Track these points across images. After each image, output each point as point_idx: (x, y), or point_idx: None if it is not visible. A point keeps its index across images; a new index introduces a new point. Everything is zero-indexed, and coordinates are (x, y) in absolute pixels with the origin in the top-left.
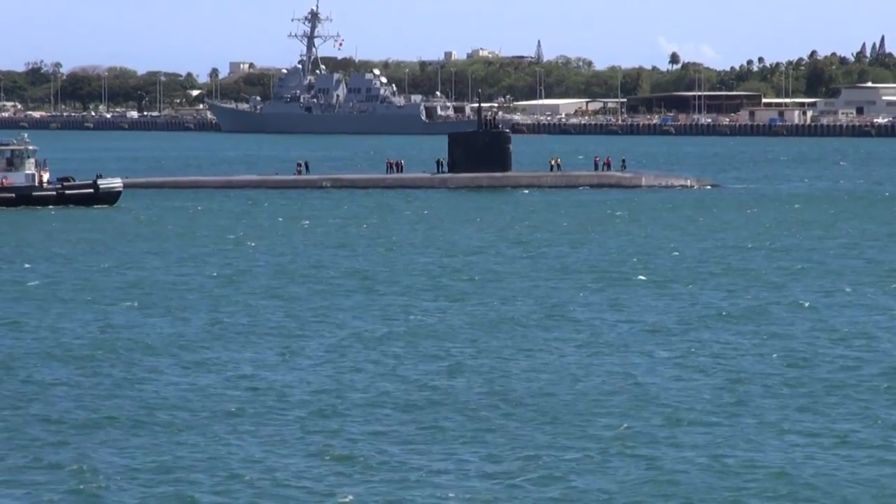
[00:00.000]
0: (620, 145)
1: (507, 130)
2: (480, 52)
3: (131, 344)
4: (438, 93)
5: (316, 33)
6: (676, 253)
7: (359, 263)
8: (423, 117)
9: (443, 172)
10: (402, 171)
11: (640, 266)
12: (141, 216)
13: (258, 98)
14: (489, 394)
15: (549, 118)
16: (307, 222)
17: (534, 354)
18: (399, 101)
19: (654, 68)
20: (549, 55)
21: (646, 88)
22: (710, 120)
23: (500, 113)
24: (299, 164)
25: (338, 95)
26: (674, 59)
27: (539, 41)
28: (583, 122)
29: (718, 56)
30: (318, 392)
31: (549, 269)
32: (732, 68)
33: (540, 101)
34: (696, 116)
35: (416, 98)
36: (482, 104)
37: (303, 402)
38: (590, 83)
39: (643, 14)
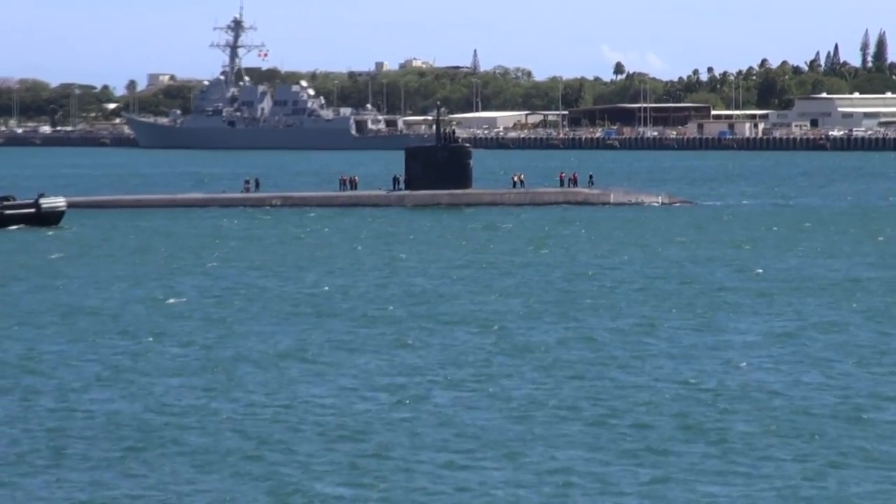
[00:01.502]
0: (560, 161)
1: (467, 145)
2: (414, 63)
3: (56, 374)
4: (369, 105)
5: (239, 43)
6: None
7: (301, 287)
8: (353, 131)
9: (399, 189)
10: (356, 187)
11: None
12: (86, 237)
13: (178, 111)
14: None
15: (485, 132)
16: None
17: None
18: (327, 114)
19: (596, 79)
20: (486, 65)
21: (588, 100)
22: (656, 133)
23: (435, 127)
24: (247, 182)
25: (262, 108)
26: (618, 69)
27: (475, 51)
28: (521, 135)
29: (665, 66)
30: (265, 424)
31: (502, 290)
32: (680, 78)
33: (476, 114)
34: (641, 130)
35: (346, 111)
36: (439, 117)
37: (249, 434)
38: (529, 95)
39: (586, 22)
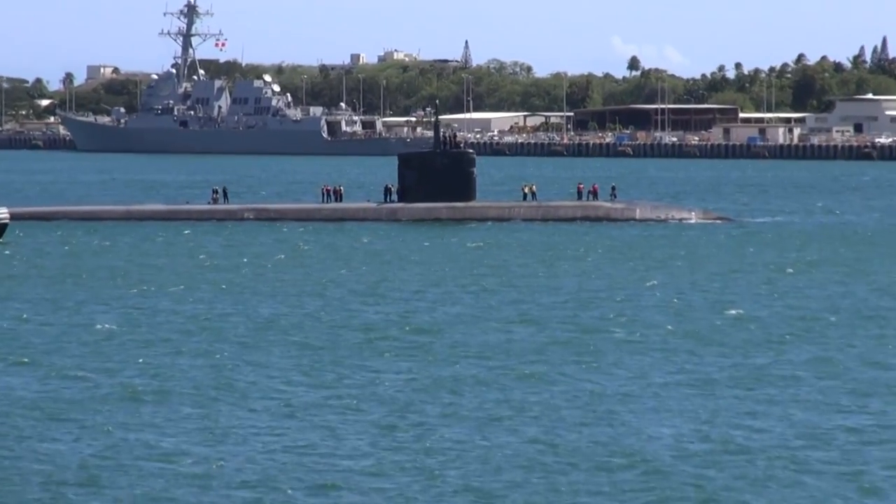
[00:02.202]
0: (566, 170)
1: (471, 151)
2: (395, 55)
3: None
4: (343, 104)
5: (194, 31)
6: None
7: (275, 311)
8: (325, 134)
9: (392, 202)
10: (341, 199)
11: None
12: (31, 254)
13: (122, 110)
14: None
15: (478, 136)
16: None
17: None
18: (295, 113)
19: (607, 76)
20: (478, 59)
21: (597, 100)
22: (675, 139)
23: (419, 129)
24: (215, 192)
25: (220, 107)
26: (632, 64)
27: (466, 42)
28: (520, 140)
29: (686, 61)
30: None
31: (507, 321)
32: (703, 76)
33: (467, 115)
34: (658, 134)
35: (316, 110)
36: (436, 119)
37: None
38: (529, 93)
39: (595, 10)
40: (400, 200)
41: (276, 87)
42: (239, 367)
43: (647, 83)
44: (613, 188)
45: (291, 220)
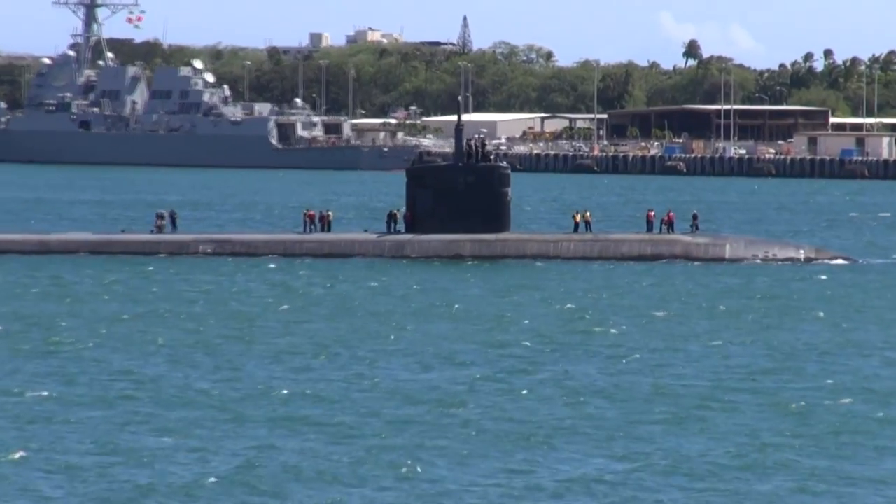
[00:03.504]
0: (597, 191)
1: (504, 164)
2: (369, 36)
3: None
4: (299, 100)
5: (99, 1)
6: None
7: (241, 385)
8: (274, 140)
9: (398, 231)
10: (329, 228)
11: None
12: None
13: (2, 104)
14: None
15: (478, 144)
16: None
17: None
18: (234, 112)
19: (653, 66)
20: (481, 42)
21: (639, 98)
22: (744, 151)
23: (400, 134)
24: (160, 217)
25: (134, 102)
26: (688, 50)
27: (465, 19)
28: (535, 150)
29: (759, 47)
30: None
31: (544, 399)
32: (783, 67)
33: (466, 117)
34: (721, 145)
35: (263, 108)
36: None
37: None
38: (548, 88)
39: None
40: (408, 231)
41: (210, 77)
42: None
43: (706, 76)
44: (695, 217)
45: (263, 254)
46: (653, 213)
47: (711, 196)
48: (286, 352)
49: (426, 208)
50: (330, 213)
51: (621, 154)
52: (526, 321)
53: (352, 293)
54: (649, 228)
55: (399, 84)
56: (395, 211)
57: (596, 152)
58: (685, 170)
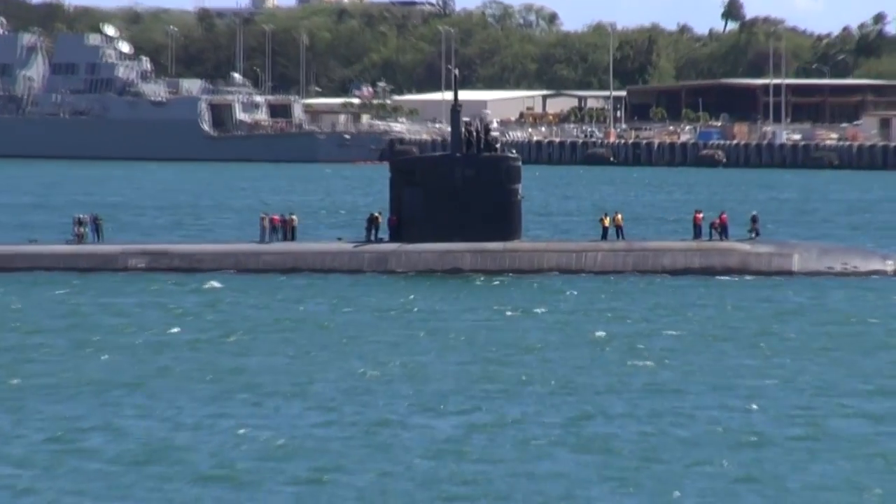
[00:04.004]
0: (617, 187)
1: (514, 154)
2: None
3: None
4: (237, 75)
5: None
6: None
7: (180, 432)
8: (206, 125)
9: (380, 240)
10: (294, 235)
11: None
12: None
13: None
14: None
15: (480, 128)
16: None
17: None
18: (156, 90)
19: (683, 30)
20: (466, 1)
21: (666, 70)
22: (798, 136)
23: (366, 117)
24: (79, 223)
25: (29, 79)
26: (730, 11)
27: None
28: (535, 137)
29: (817, 5)
30: None
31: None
32: (846, 31)
33: (447, 95)
34: (769, 129)
35: (192, 85)
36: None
37: None
38: (551, 59)
39: None
40: (394, 239)
41: (126, 47)
42: None
43: (750, 43)
44: (754, 220)
45: (210, 269)
46: (701, 215)
47: (759, 193)
48: (222, 397)
49: (416, 210)
50: (294, 217)
51: (644, 141)
52: (542, 355)
53: (322, 318)
54: (697, 234)
55: (363, 54)
56: (377, 214)
57: (612, 139)
58: (724, 160)
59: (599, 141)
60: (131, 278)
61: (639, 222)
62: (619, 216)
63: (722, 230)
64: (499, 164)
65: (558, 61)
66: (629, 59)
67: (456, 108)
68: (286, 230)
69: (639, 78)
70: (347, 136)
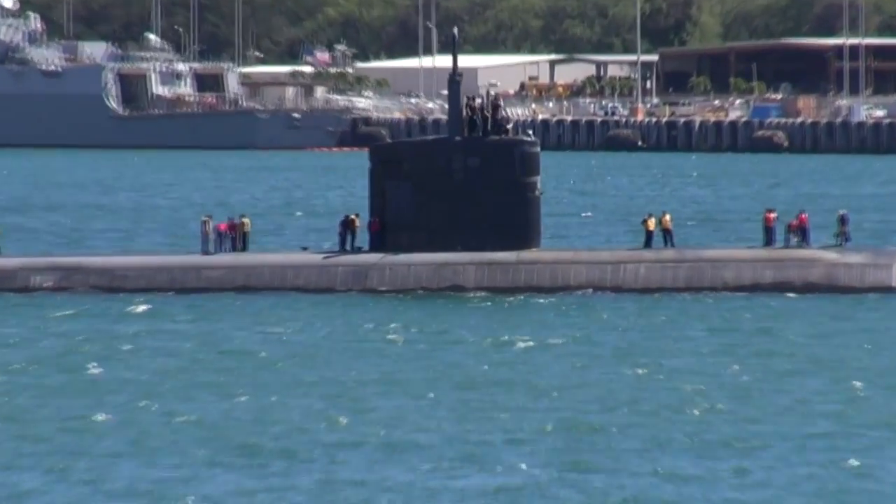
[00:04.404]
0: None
1: (530, 136)
2: None
3: None
4: (155, 36)
5: None
6: None
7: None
8: (113, 102)
9: (358, 249)
10: (245, 244)
11: None
12: None
13: None
14: None
15: (485, 104)
16: None
17: None
18: (50, 56)
19: None
20: None
21: (710, 27)
22: (882, 112)
23: (320, 90)
24: None
25: None
26: None
27: None
28: (540, 115)
29: None
30: None
31: None
32: None
33: (426, 61)
34: (844, 103)
35: (96, 50)
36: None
37: None
38: (560, 13)
39: None
40: (376, 248)
41: (8, 2)
42: None
43: None
44: (843, 220)
45: (137, 289)
46: (773, 215)
47: (835, 187)
48: (147, 457)
49: (403, 211)
50: (246, 220)
51: (681, 120)
52: (570, 397)
53: (279, 353)
54: (768, 240)
55: (317, 9)
56: (353, 216)
57: (640, 117)
58: (786, 144)
59: (624, 120)
60: (35, 301)
61: (684, 226)
62: (668, 217)
63: (801, 233)
64: (511, 150)
65: (569, 16)
66: (662, 14)
67: (455, 77)
68: (235, 237)
69: (674, 38)
70: (297, 116)
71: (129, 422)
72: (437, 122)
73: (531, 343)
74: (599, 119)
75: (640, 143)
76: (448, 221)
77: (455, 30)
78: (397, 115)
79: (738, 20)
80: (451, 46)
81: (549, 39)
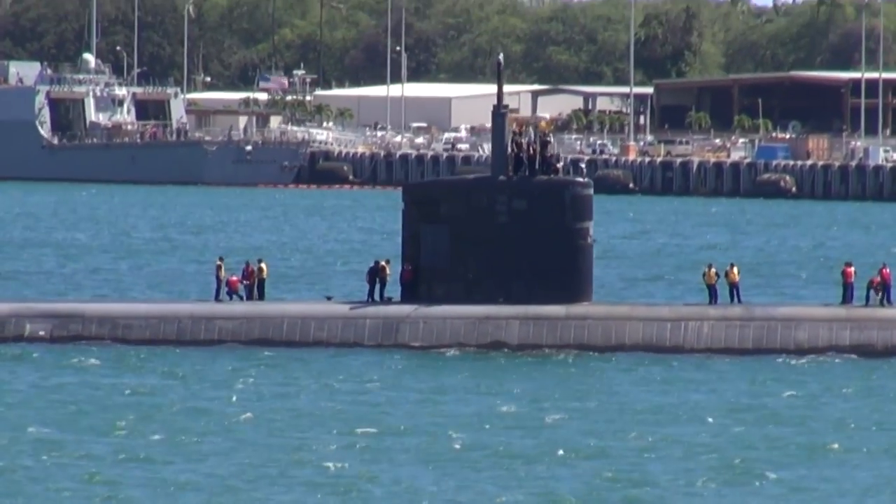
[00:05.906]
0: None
1: (584, 178)
2: None
3: None
4: (91, 56)
5: None
6: None
7: None
8: (44, 129)
9: (388, 300)
10: (262, 292)
11: None
12: None
13: None
14: None
15: (423, 137)
16: None
17: None
18: None
19: (735, 0)
20: None
21: (713, 56)
22: None
23: (277, 120)
24: None
25: None
26: None
27: None
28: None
29: None
30: None
31: None
32: None
33: (394, 89)
34: (860, 144)
35: (25, 70)
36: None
37: None
38: (543, 38)
39: None
40: (408, 299)
41: None
42: None
43: (832, 19)
44: None
45: (143, 341)
46: (852, 270)
47: (857, 236)
48: None
49: (440, 258)
50: (264, 265)
51: (678, 160)
52: (633, 478)
53: (299, 413)
54: (847, 297)
55: (273, 30)
56: (384, 263)
57: (632, 156)
58: (794, 189)
59: (614, 159)
60: (28, 351)
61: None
62: (735, 270)
63: (884, 291)
64: (561, 191)
65: (555, 42)
66: (658, 41)
67: (500, 110)
68: (252, 282)
69: (672, 68)
70: (249, 148)
71: None
72: (404, 157)
73: (583, 403)
74: (586, 158)
75: (631, 185)
76: (489, 270)
77: (500, 56)
78: (361, 148)
79: (743, 50)
80: (495, 76)
81: (532, 67)
